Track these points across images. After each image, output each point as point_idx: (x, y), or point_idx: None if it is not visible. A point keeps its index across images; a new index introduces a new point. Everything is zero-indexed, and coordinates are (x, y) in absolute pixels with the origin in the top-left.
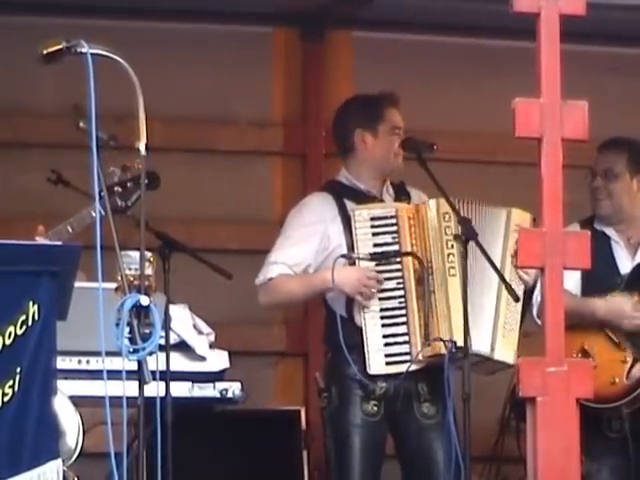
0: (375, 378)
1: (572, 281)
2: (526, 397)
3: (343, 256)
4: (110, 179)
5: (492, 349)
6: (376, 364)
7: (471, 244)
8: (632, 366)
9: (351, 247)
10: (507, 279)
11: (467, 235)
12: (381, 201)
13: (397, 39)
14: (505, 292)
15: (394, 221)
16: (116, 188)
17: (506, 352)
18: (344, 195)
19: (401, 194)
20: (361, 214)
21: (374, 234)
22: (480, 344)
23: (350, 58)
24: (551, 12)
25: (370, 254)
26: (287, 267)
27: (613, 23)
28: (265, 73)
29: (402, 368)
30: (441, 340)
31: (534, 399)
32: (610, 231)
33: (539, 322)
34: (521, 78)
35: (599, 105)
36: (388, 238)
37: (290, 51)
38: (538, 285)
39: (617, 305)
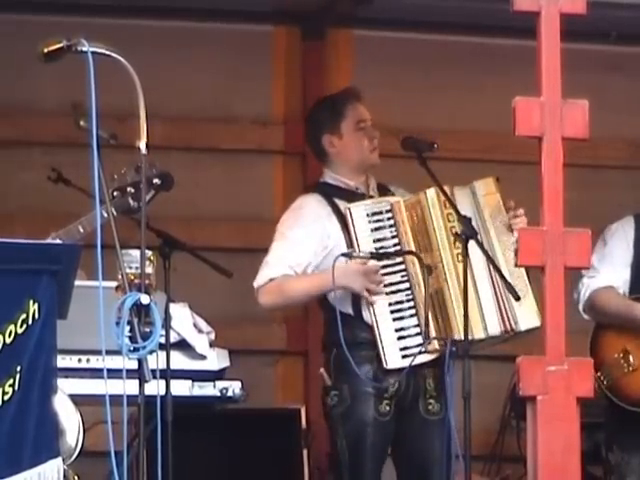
0: (387, 374)
1: (621, 279)
2: (526, 396)
3: (344, 254)
4: (123, 180)
5: (514, 323)
6: (392, 358)
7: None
8: None
9: (350, 245)
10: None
11: (467, 234)
12: (370, 198)
13: (398, 38)
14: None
15: (390, 215)
16: (129, 189)
17: (528, 319)
18: (333, 195)
19: (385, 193)
20: (357, 211)
21: (372, 230)
22: (497, 326)
23: (351, 57)
24: (551, 11)
25: (371, 253)
26: (288, 267)
27: (614, 22)
28: (266, 72)
29: (419, 359)
30: (441, 339)
31: (534, 398)
32: None
33: (586, 317)
34: (521, 77)
35: (600, 104)
36: (387, 233)
37: (291, 50)
38: (584, 280)
39: None
